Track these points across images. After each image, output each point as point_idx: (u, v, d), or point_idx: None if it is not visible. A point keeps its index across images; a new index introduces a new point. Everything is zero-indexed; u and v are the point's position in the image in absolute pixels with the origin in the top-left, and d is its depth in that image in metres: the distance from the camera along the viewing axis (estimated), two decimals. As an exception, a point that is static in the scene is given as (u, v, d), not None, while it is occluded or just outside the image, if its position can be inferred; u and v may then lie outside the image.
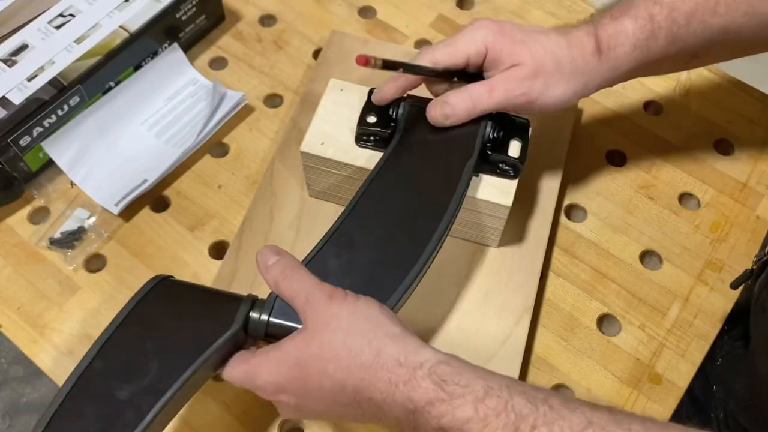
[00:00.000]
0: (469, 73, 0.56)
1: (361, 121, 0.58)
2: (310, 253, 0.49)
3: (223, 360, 0.48)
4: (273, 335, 0.48)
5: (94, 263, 0.64)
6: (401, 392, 0.39)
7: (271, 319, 0.47)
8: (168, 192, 0.68)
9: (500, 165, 0.56)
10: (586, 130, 0.71)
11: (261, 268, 0.48)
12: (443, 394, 0.39)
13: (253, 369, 0.45)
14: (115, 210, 0.64)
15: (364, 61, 0.50)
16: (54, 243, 0.64)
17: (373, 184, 0.53)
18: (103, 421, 0.44)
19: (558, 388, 0.58)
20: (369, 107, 0.58)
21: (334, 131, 0.59)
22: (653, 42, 0.53)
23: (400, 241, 0.50)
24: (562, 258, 0.64)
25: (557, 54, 0.54)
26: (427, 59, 0.54)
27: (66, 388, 0.45)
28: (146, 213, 0.66)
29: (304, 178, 0.63)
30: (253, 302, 0.48)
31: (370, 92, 0.59)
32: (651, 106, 0.74)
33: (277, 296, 0.48)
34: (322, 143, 0.58)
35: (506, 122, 0.57)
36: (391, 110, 0.57)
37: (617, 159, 0.70)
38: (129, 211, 0.66)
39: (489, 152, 0.56)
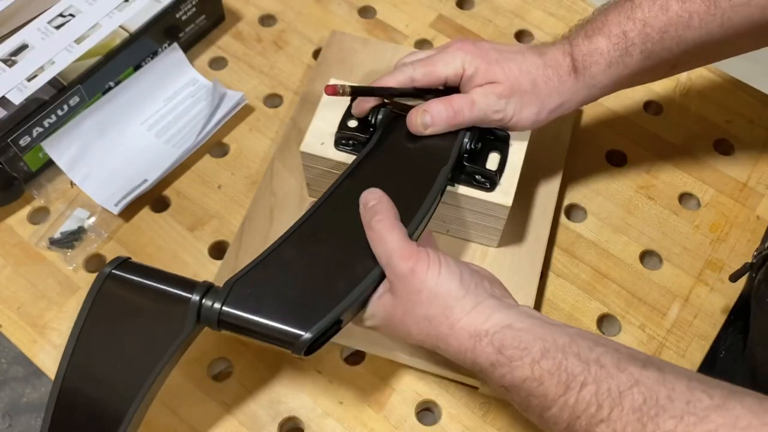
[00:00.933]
0: (444, 92, 0.56)
1: (342, 125, 0.58)
2: (271, 245, 0.49)
3: (184, 350, 0.50)
4: (226, 324, 0.48)
5: (94, 263, 0.64)
6: (469, 357, 0.45)
7: (224, 308, 0.47)
8: (168, 192, 0.68)
9: (476, 176, 0.56)
10: (586, 130, 0.71)
11: (361, 208, 0.50)
12: (503, 358, 0.43)
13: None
14: (115, 210, 0.65)
15: (332, 91, 0.52)
16: (54, 243, 0.64)
17: (343, 184, 0.52)
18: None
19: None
20: (350, 112, 0.58)
21: (334, 131, 0.59)
22: (628, 58, 0.54)
23: (362, 242, 0.49)
24: (562, 258, 0.64)
25: (533, 74, 0.55)
26: (405, 76, 0.55)
27: (51, 406, 0.47)
28: (146, 213, 0.66)
29: (304, 178, 0.63)
30: (208, 289, 0.48)
31: (353, 97, 0.58)
32: (651, 106, 0.74)
33: (233, 284, 0.48)
34: (322, 143, 0.58)
35: (486, 134, 0.57)
36: (370, 116, 0.57)
37: (617, 159, 0.70)
38: (129, 211, 0.66)
39: (466, 163, 0.56)
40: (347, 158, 0.58)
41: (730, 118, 0.72)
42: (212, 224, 0.66)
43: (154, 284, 0.49)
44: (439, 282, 0.46)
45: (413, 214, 0.50)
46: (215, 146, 0.71)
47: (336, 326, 0.47)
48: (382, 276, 0.48)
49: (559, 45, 0.56)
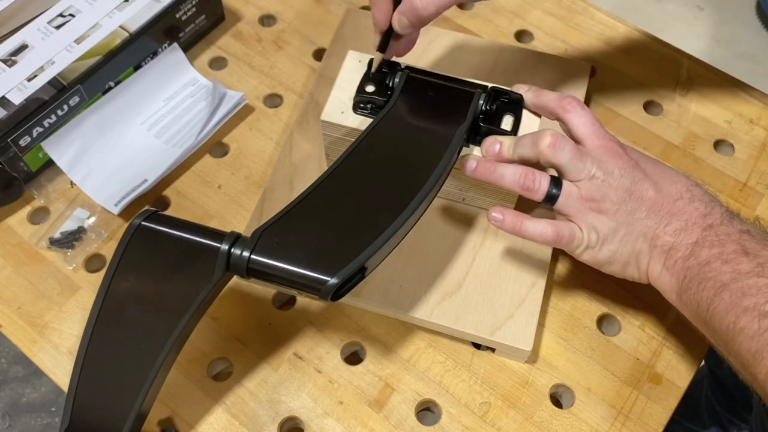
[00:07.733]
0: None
1: (360, 90, 0.59)
2: (297, 197, 0.50)
3: (211, 300, 0.51)
4: (255, 272, 0.48)
5: (94, 263, 0.64)
6: (702, 218, 0.51)
7: (253, 256, 0.48)
8: (168, 192, 0.68)
9: None
10: (586, 130, 0.71)
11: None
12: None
13: None
14: (115, 210, 0.65)
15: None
16: (54, 243, 0.64)
17: (364, 142, 0.54)
18: (115, 386, 0.48)
19: (558, 388, 0.58)
20: (368, 77, 0.60)
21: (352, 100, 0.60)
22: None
23: (383, 196, 0.50)
24: (562, 258, 0.64)
25: None
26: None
27: (81, 354, 0.48)
28: (146, 213, 0.66)
29: (323, 149, 0.64)
30: (236, 239, 0.49)
31: (370, 63, 0.60)
32: (651, 106, 0.74)
33: (261, 233, 0.49)
34: (342, 112, 0.59)
35: (500, 96, 0.58)
36: (388, 80, 0.58)
37: (617, 159, 0.70)
38: (129, 211, 0.66)
39: (481, 123, 0.57)
40: (365, 125, 0.59)
41: (731, 119, 0.72)
42: (212, 224, 0.66)
43: (184, 235, 0.50)
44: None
45: (430, 173, 0.51)
46: (215, 146, 0.71)
47: (360, 274, 0.48)
48: (401, 228, 0.49)
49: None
